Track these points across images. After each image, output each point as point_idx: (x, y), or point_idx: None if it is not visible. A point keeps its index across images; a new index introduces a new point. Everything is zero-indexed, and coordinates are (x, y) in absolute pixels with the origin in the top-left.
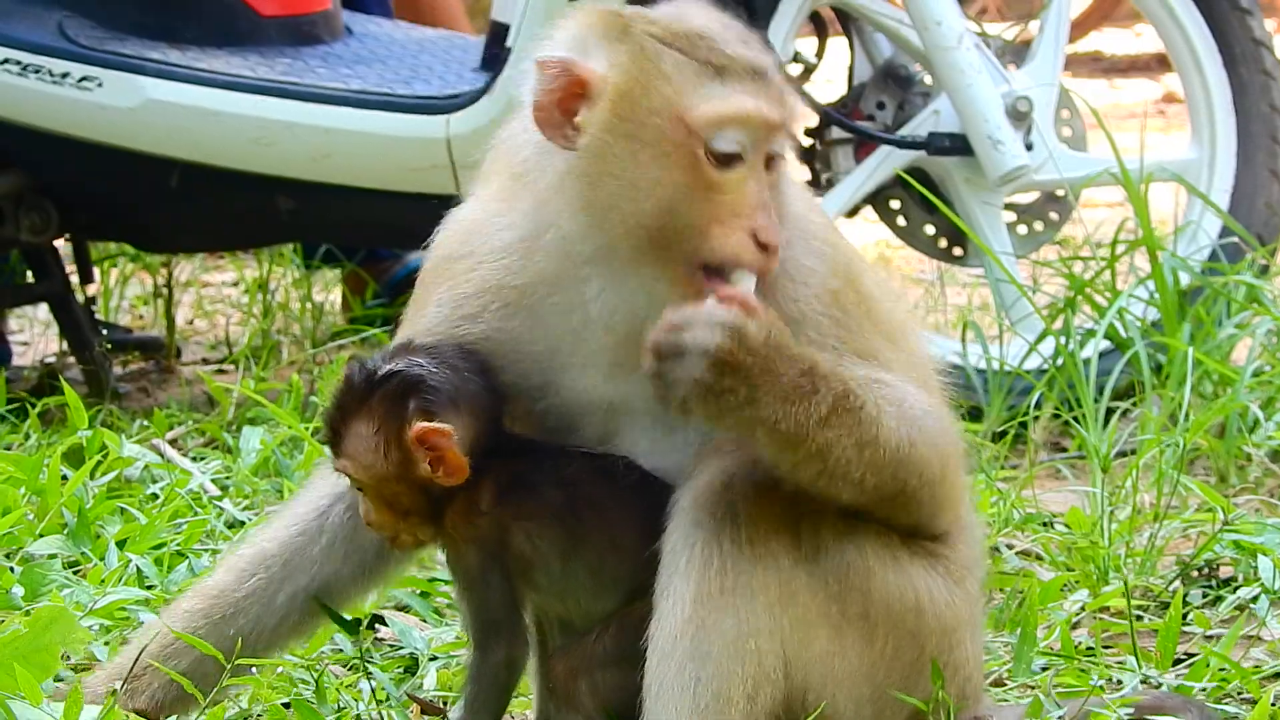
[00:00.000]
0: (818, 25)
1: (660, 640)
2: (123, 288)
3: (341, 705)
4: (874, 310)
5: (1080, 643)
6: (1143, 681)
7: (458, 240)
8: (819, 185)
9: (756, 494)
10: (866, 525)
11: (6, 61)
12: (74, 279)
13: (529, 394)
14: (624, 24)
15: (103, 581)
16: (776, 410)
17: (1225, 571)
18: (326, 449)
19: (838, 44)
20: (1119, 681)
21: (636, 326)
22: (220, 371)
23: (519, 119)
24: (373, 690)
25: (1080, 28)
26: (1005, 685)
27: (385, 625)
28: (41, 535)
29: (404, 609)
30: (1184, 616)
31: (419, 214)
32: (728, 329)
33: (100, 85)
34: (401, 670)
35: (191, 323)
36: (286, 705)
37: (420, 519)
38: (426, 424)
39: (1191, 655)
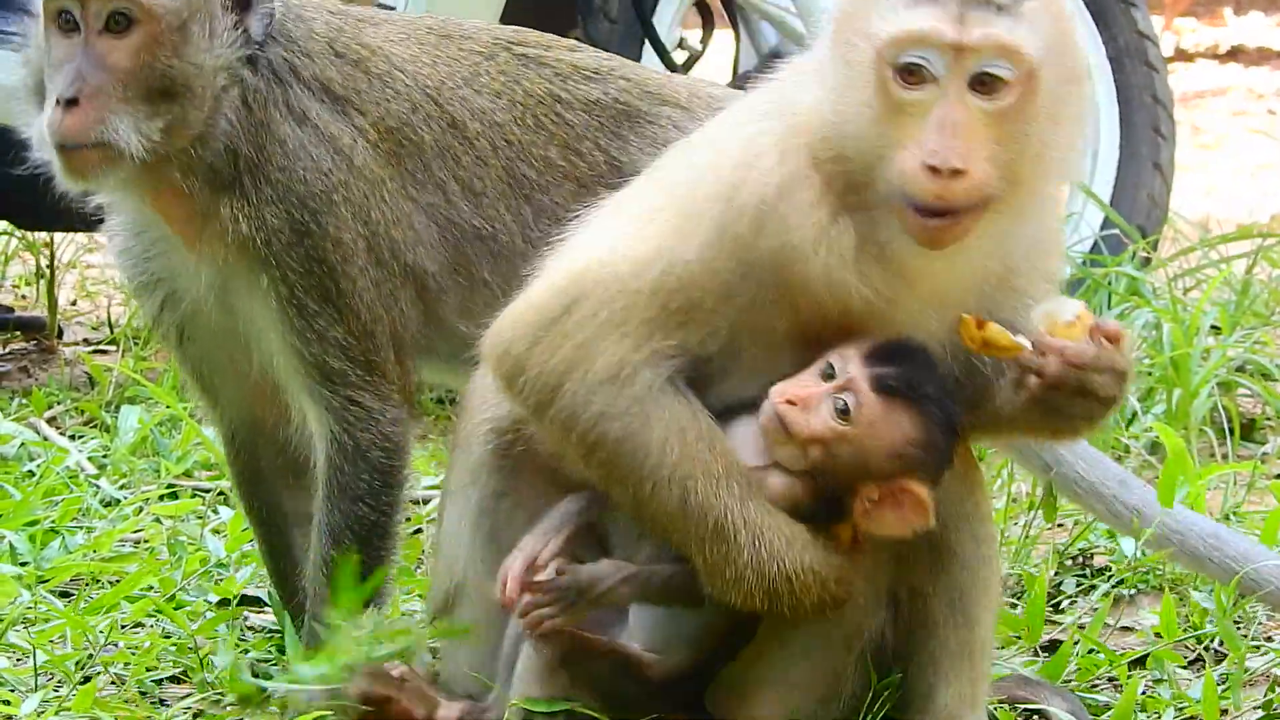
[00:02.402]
0: (704, 14)
1: None
2: (4, 266)
3: None
4: None
5: None
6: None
7: None
8: None
9: None
10: None
11: None
12: None
13: None
14: None
15: None
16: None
17: (1100, 561)
18: None
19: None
20: None
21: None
22: (101, 352)
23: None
24: None
25: None
26: None
27: None
28: None
29: None
30: (1057, 605)
31: None
32: (1121, 382)
33: None
34: None
35: (75, 303)
36: None
37: None
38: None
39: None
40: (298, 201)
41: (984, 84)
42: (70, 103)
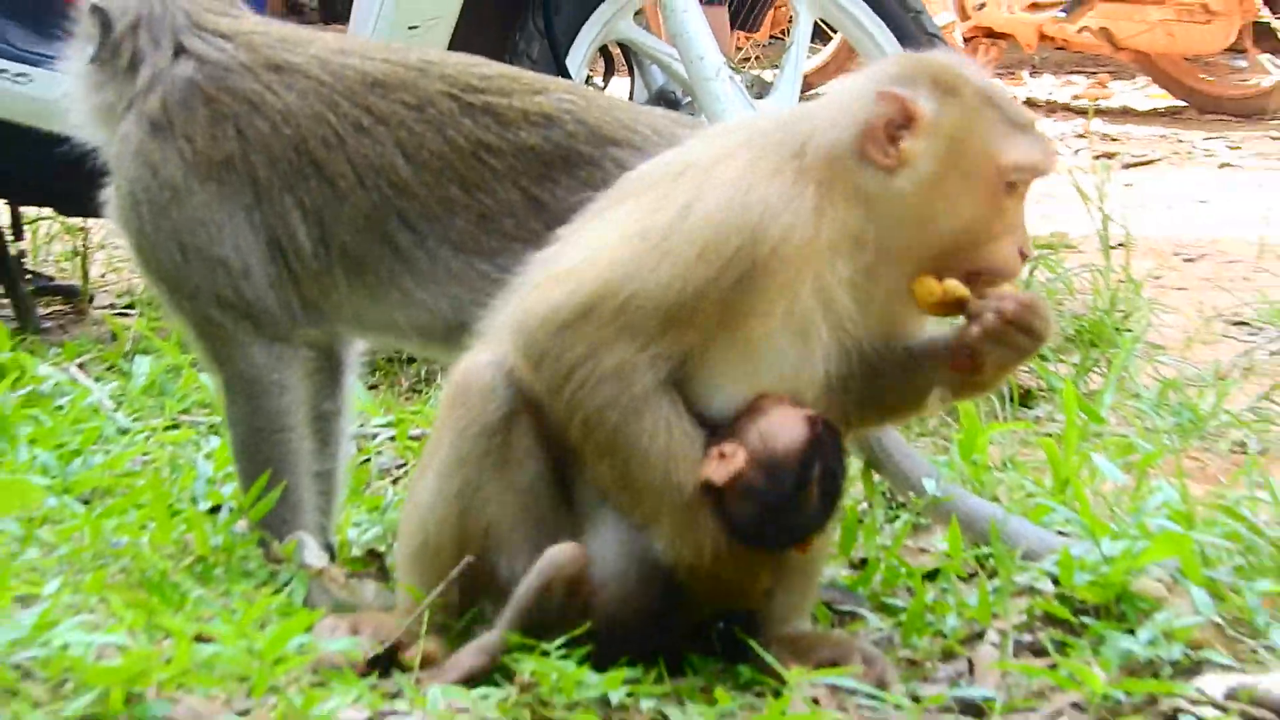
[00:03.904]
0: (606, 58)
1: None
2: (49, 245)
3: None
4: None
5: None
6: (831, 586)
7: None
8: None
9: None
10: None
11: None
12: (9, 236)
13: None
14: (956, 78)
15: (15, 471)
16: None
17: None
18: None
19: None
20: None
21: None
22: (123, 314)
23: (806, 118)
24: None
25: (821, 74)
26: None
27: None
28: None
29: None
30: (868, 530)
31: None
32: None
33: (31, 81)
34: None
35: (103, 276)
36: None
37: None
38: None
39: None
40: (117, 195)
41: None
42: None
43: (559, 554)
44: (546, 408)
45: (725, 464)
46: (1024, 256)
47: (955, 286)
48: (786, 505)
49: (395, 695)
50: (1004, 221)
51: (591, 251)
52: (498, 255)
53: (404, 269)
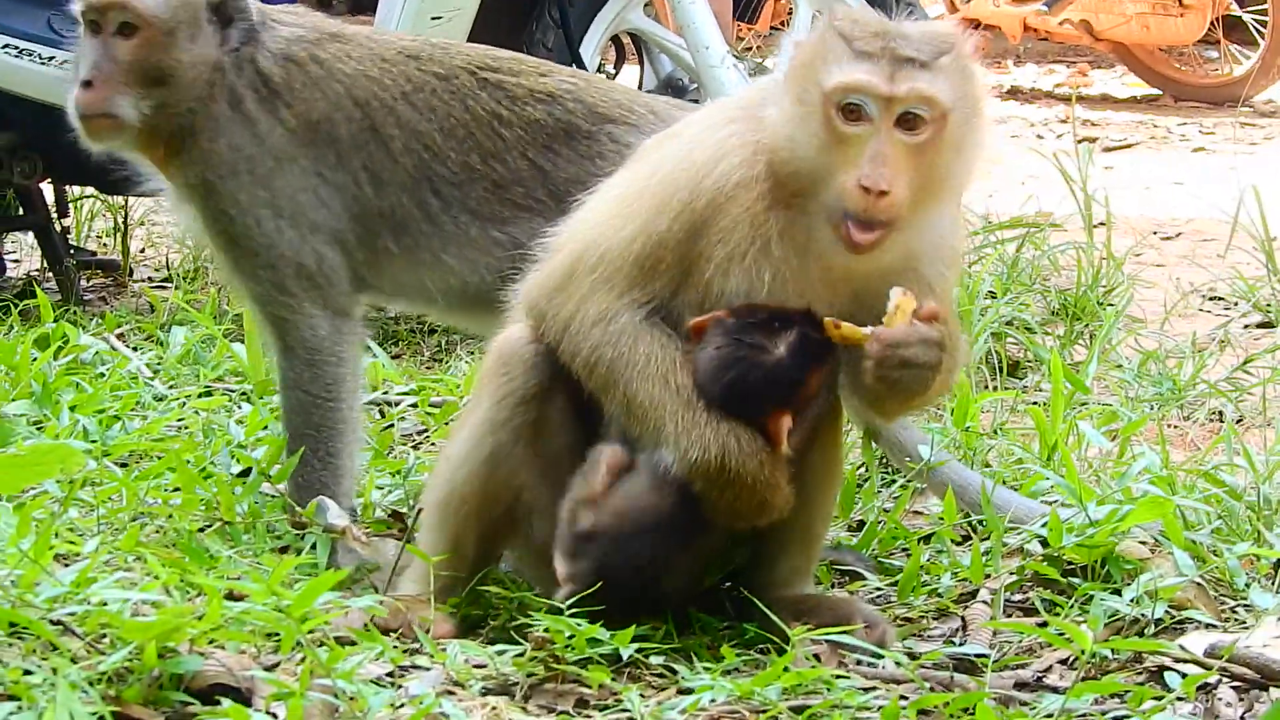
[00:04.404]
0: (618, 47)
1: None
2: (91, 221)
3: None
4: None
5: None
6: (834, 547)
7: None
8: None
9: None
10: None
11: (6, 47)
12: (54, 213)
13: None
14: (835, 21)
15: (57, 435)
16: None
17: None
18: None
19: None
20: None
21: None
22: (160, 287)
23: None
24: None
25: None
26: None
27: None
28: (14, 400)
29: None
30: (868, 494)
31: None
32: (937, 348)
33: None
34: None
35: (143, 250)
36: None
37: None
38: None
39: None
40: (211, 166)
41: (907, 121)
42: (86, 84)
43: (606, 449)
44: (567, 364)
45: (705, 318)
46: (866, 191)
47: (849, 331)
48: (759, 359)
49: (416, 651)
50: (845, 152)
51: (579, 220)
52: (509, 224)
53: (434, 232)
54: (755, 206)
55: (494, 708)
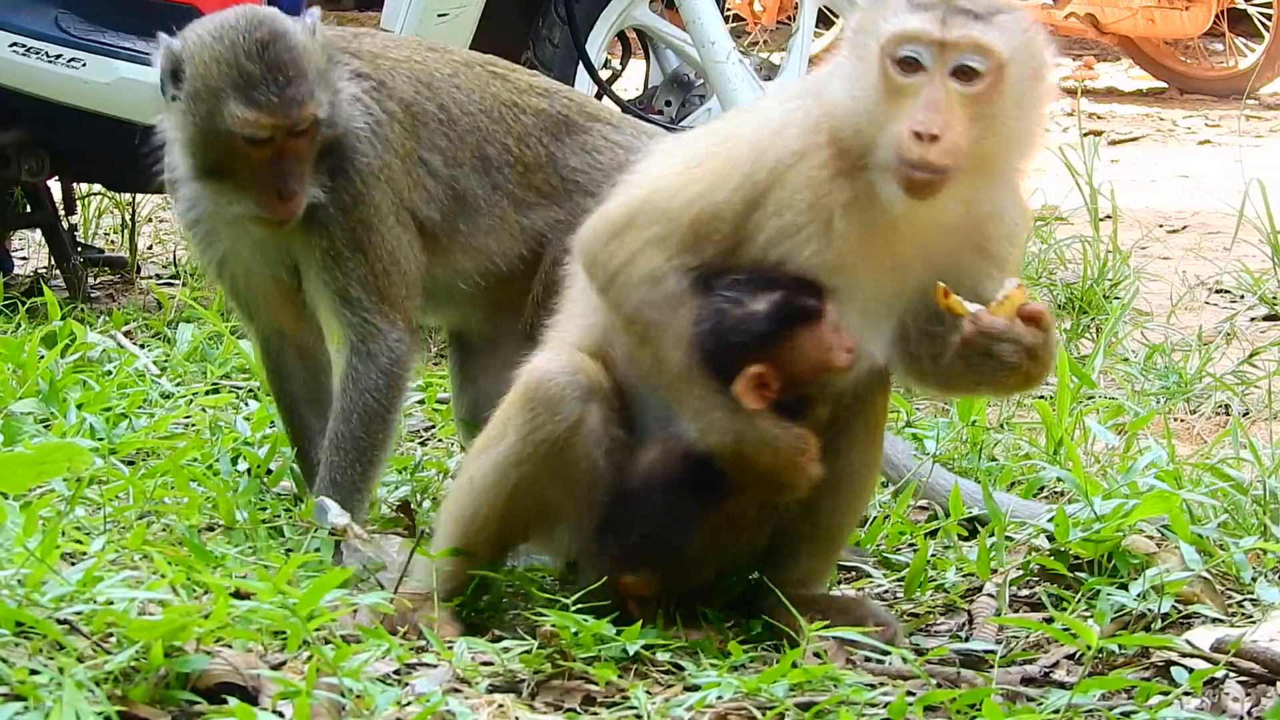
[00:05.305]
0: (624, 42)
1: None
2: (98, 219)
3: None
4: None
5: None
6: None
7: None
8: None
9: None
10: None
11: (14, 45)
12: (61, 210)
13: None
14: None
15: (64, 434)
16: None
17: None
18: None
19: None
20: None
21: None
22: (167, 284)
23: None
24: None
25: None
26: None
27: None
28: (20, 398)
29: None
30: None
31: None
32: (1025, 354)
33: (84, 65)
34: None
35: (150, 248)
36: None
37: None
38: None
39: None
40: (355, 177)
41: (963, 74)
42: None
43: None
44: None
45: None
46: (919, 136)
47: (955, 303)
48: (731, 310)
49: (422, 649)
50: (902, 104)
51: (644, 172)
52: (532, 210)
53: (475, 215)
54: (818, 175)
55: (501, 705)
